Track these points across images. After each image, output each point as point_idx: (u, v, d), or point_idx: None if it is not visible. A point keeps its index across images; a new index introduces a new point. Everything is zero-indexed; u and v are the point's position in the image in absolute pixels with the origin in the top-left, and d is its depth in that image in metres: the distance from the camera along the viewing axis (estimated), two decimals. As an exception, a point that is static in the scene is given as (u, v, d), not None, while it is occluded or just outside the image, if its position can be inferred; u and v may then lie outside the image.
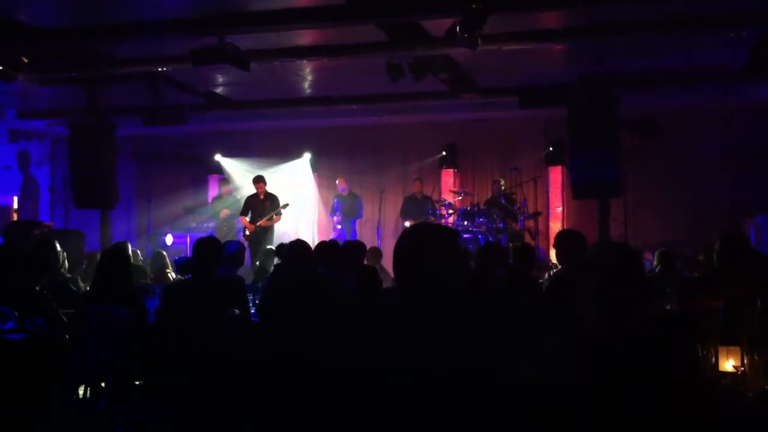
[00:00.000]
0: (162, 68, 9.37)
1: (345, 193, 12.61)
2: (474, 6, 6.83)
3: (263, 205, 11.43)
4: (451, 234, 2.74)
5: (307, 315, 2.55)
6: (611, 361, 2.46)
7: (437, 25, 7.64)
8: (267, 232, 11.26)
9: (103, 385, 3.92)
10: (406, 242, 2.67)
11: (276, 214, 11.31)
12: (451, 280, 2.57)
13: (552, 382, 2.56)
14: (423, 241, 2.62)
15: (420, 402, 2.35)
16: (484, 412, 2.39)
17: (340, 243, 7.12)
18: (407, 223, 12.16)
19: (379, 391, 2.39)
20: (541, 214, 12.40)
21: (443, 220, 11.84)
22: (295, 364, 2.53)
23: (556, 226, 12.67)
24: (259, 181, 11.60)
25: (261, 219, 11.23)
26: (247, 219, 11.44)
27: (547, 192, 12.98)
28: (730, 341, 3.56)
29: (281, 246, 7.71)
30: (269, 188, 11.72)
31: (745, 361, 3.48)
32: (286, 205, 11.46)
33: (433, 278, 2.54)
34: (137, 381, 4.14)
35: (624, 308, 2.57)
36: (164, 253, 8.92)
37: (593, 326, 2.62)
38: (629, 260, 2.69)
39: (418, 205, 12.37)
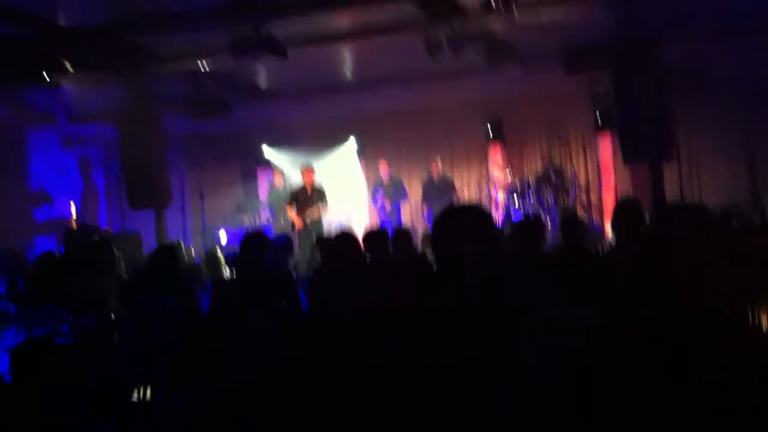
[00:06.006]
0: (202, 62, 9.43)
1: (387, 182, 12.26)
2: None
3: (310, 199, 10.75)
4: (482, 215, 2.61)
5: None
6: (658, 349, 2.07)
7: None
8: (317, 223, 10.84)
9: (151, 377, 3.98)
10: (434, 228, 2.58)
11: (323, 204, 10.73)
12: (481, 266, 2.44)
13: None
14: (448, 226, 2.50)
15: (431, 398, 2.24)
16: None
17: (388, 229, 6.98)
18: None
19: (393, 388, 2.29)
20: (591, 188, 12.09)
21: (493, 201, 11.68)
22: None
23: (609, 197, 12.35)
24: (307, 169, 10.94)
25: (306, 213, 10.64)
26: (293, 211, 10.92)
27: (597, 161, 12.67)
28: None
29: (321, 240, 7.50)
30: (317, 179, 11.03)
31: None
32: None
33: (463, 264, 2.42)
34: (186, 374, 4.19)
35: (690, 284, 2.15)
36: (218, 249, 8.94)
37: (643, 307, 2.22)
38: (700, 224, 2.24)
39: (435, 190, 12.12)
